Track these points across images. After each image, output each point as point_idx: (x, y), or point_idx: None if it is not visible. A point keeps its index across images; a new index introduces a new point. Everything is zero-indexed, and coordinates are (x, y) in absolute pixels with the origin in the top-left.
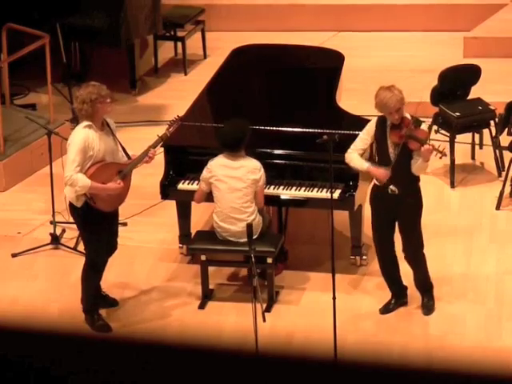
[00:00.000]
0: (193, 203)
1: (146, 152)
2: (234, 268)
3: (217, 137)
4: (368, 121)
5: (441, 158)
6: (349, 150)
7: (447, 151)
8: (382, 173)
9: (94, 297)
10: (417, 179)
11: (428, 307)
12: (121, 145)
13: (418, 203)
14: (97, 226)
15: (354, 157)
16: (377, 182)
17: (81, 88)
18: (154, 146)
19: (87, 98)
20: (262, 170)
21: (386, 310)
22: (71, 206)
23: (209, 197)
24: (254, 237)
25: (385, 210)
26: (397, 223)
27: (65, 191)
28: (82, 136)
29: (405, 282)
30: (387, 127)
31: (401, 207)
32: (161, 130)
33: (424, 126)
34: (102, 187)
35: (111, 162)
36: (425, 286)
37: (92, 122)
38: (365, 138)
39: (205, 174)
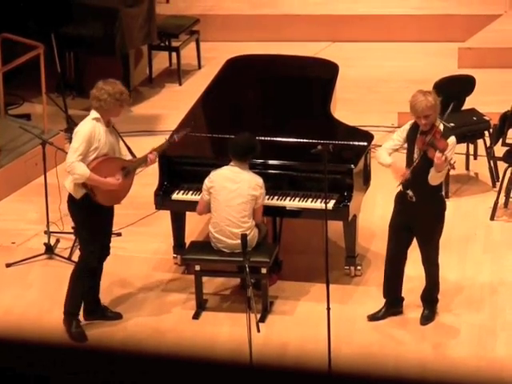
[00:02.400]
0: (188, 213)
1: (146, 156)
2: (229, 278)
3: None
4: (362, 131)
5: (449, 170)
6: (379, 148)
7: (456, 165)
8: (399, 170)
9: (78, 301)
10: (436, 190)
11: (426, 318)
12: (126, 145)
13: (436, 216)
14: (95, 223)
15: (381, 153)
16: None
17: (107, 82)
18: (159, 149)
19: (114, 94)
20: (264, 187)
21: (373, 317)
22: (70, 200)
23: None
24: (249, 249)
25: (401, 214)
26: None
27: (64, 183)
28: (90, 126)
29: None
30: (418, 132)
31: (417, 217)
32: (155, 139)
33: (451, 139)
34: (101, 180)
35: (116, 158)
36: (429, 297)
37: (101, 117)
38: (396, 138)
39: (206, 183)
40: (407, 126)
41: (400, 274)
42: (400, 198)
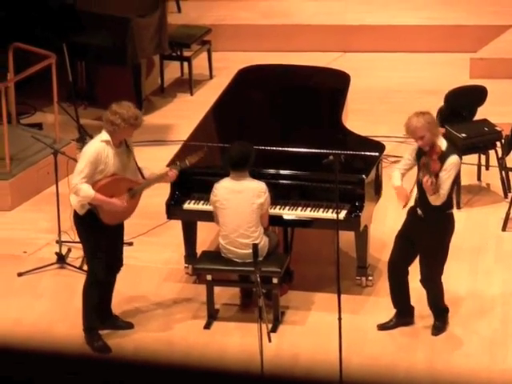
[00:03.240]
0: (199, 223)
1: (162, 175)
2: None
3: (224, 157)
4: (374, 141)
5: (434, 193)
6: (393, 167)
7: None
8: (400, 194)
9: (92, 314)
10: (442, 209)
11: (438, 328)
12: (137, 165)
13: (440, 235)
14: (99, 239)
15: (394, 174)
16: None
17: (121, 106)
18: (175, 169)
19: (129, 119)
20: (267, 192)
21: (384, 327)
22: (75, 215)
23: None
24: (260, 259)
25: (408, 227)
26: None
27: (70, 198)
28: (97, 148)
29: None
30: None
31: (421, 233)
32: (167, 149)
33: (451, 159)
34: (106, 200)
35: (124, 178)
36: (437, 308)
37: (111, 139)
38: (407, 157)
39: (211, 197)
40: (415, 147)
41: (403, 283)
42: (411, 211)
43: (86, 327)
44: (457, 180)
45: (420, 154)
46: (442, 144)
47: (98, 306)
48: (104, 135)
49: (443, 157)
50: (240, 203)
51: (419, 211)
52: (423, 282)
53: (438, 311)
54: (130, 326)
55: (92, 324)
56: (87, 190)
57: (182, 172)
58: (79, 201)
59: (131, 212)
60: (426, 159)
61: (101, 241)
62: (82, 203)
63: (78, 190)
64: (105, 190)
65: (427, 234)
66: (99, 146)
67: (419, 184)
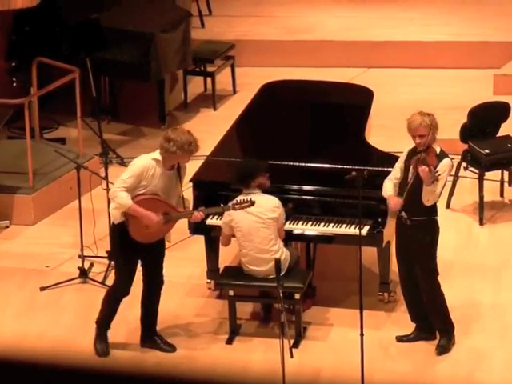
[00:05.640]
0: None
1: (192, 211)
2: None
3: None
4: (396, 157)
5: (433, 182)
6: (385, 179)
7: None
8: (392, 201)
9: (106, 320)
10: (429, 213)
11: (442, 347)
12: (181, 195)
13: (429, 241)
14: (128, 252)
15: (386, 185)
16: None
17: (176, 131)
18: (208, 212)
19: (183, 145)
20: (281, 206)
21: (401, 339)
22: (111, 224)
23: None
24: (282, 272)
25: (400, 237)
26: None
27: (110, 209)
28: (144, 164)
29: None
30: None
31: (412, 241)
32: (189, 165)
33: (446, 160)
34: (141, 212)
35: (163, 201)
36: (442, 323)
37: (163, 161)
38: (398, 166)
39: (225, 217)
40: (405, 153)
41: (417, 298)
42: (398, 221)
43: (97, 322)
44: (480, 195)
45: (409, 157)
46: (437, 148)
47: (113, 313)
48: (156, 154)
49: (438, 159)
50: (255, 220)
51: (404, 218)
52: (422, 290)
53: (443, 326)
54: (172, 348)
55: (102, 324)
56: (125, 198)
57: (205, 186)
58: (115, 207)
59: (160, 236)
60: (423, 155)
61: (130, 255)
62: (117, 211)
63: (117, 195)
64: (141, 205)
65: (416, 242)
66: (148, 162)
67: (408, 187)
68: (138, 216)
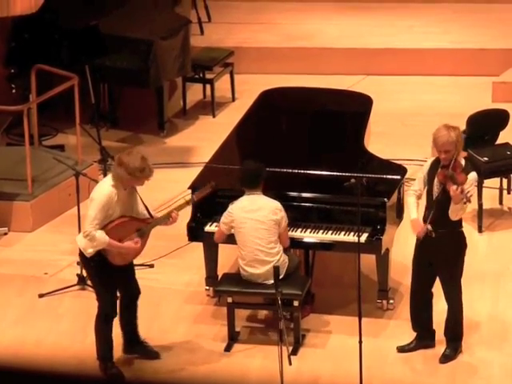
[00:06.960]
0: (220, 245)
1: (169, 214)
2: (261, 310)
3: (239, 177)
4: (396, 164)
5: (465, 203)
6: (408, 192)
7: (474, 198)
8: (417, 227)
9: (106, 346)
10: (455, 226)
11: (446, 356)
12: (144, 205)
13: (455, 253)
14: (107, 278)
15: (410, 201)
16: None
17: (131, 155)
18: (179, 209)
19: (133, 171)
20: (283, 210)
21: (402, 349)
22: (82, 254)
23: (233, 239)
24: (281, 277)
25: (422, 249)
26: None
27: (76, 239)
28: (107, 194)
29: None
30: (439, 167)
31: (437, 253)
32: (188, 172)
33: (472, 175)
34: (119, 246)
35: (131, 218)
36: (452, 334)
37: (119, 182)
38: (421, 177)
39: (226, 217)
40: (428, 164)
41: (425, 308)
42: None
43: (99, 356)
44: (478, 202)
45: (432, 172)
46: (462, 160)
47: (110, 337)
48: (112, 179)
49: (464, 171)
50: (257, 221)
51: (430, 231)
52: (446, 300)
53: (453, 336)
54: (156, 354)
55: (106, 354)
56: (102, 237)
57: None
58: (94, 247)
59: (139, 252)
60: (450, 172)
61: (109, 279)
62: (93, 248)
63: (93, 236)
64: (113, 232)
65: (443, 254)
66: (109, 191)
67: (434, 201)
68: (118, 250)
